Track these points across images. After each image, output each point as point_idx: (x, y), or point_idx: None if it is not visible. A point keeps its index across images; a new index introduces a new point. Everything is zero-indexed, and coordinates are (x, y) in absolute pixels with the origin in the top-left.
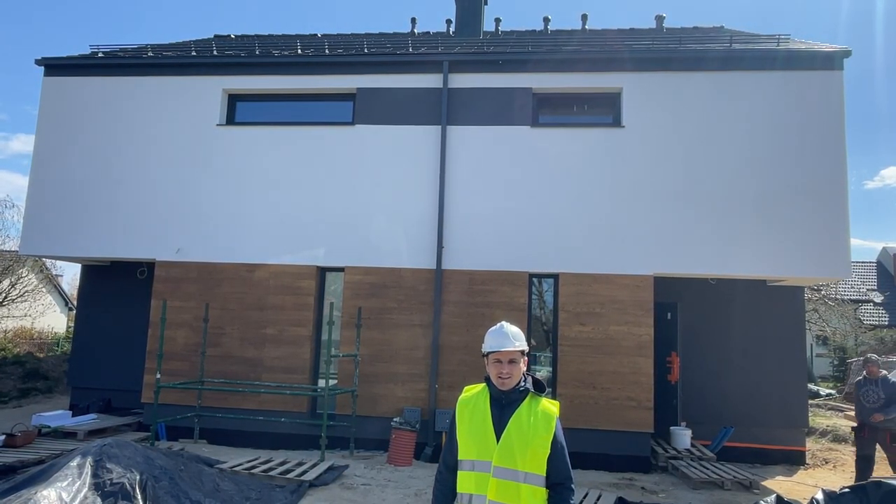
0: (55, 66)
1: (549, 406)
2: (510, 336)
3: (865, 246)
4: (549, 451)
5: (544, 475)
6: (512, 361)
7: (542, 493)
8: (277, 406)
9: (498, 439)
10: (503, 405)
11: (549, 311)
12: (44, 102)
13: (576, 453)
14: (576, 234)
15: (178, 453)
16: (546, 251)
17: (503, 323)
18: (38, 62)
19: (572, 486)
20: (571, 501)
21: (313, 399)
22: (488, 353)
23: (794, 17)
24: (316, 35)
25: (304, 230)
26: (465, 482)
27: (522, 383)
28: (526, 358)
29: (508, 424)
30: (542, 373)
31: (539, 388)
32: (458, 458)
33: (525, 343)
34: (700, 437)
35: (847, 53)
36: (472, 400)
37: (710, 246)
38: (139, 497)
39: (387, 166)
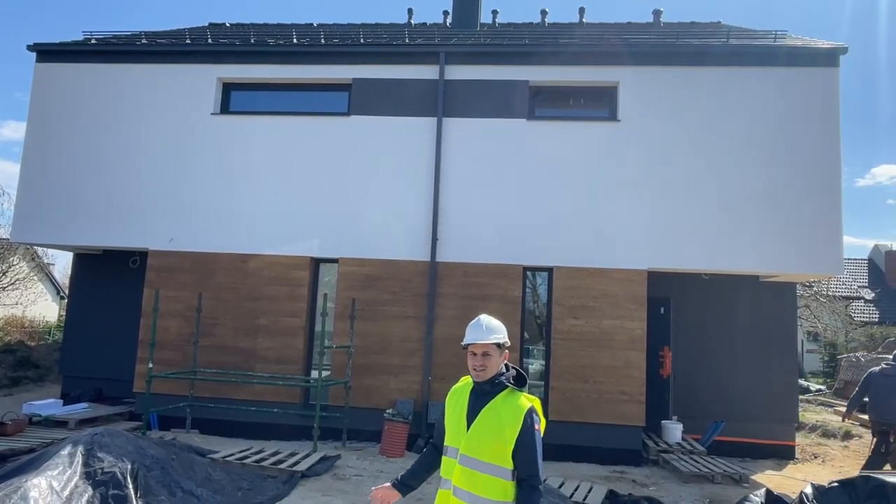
0: (47, 53)
1: (524, 401)
2: (484, 329)
3: (857, 243)
4: (513, 445)
5: (510, 468)
6: (486, 354)
7: (505, 485)
8: (270, 397)
9: (468, 429)
10: (479, 396)
11: (543, 305)
12: (35, 89)
13: (567, 446)
14: (570, 228)
15: (169, 443)
16: (541, 245)
17: (481, 316)
18: (30, 48)
19: (539, 485)
20: (536, 500)
21: (306, 390)
22: (465, 345)
23: (790, 15)
24: (312, 24)
25: (298, 221)
26: (442, 467)
27: (499, 376)
28: (506, 352)
29: (479, 415)
30: (535, 366)
31: (519, 382)
32: (444, 443)
33: (502, 336)
34: (691, 431)
35: (843, 50)
36: (460, 389)
37: (704, 241)
38: (130, 486)
39: (382, 158)
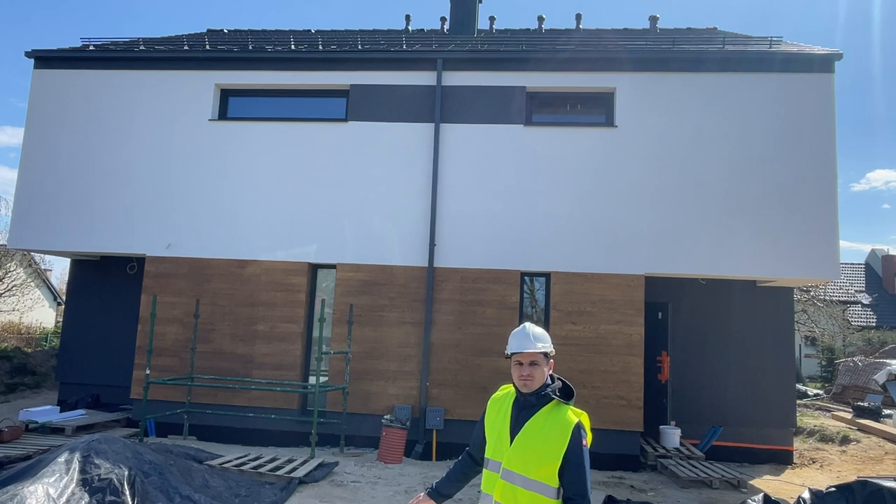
0: (46, 59)
1: (571, 416)
2: (531, 337)
3: (853, 248)
4: (560, 462)
5: (555, 486)
6: (533, 364)
7: (549, 503)
8: (268, 403)
9: (511, 442)
10: (522, 408)
11: (541, 310)
12: (34, 95)
13: None
14: (568, 233)
15: (167, 449)
16: (538, 250)
17: (526, 324)
18: (28, 54)
19: (586, 503)
20: None
21: (304, 396)
22: (510, 354)
23: (785, 21)
24: (309, 31)
25: (296, 226)
26: (483, 480)
27: (545, 388)
28: (552, 361)
29: (522, 429)
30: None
31: (566, 394)
32: (485, 455)
33: (549, 345)
34: (689, 436)
35: (839, 56)
36: (501, 399)
37: (701, 246)
38: (127, 493)
39: (380, 163)
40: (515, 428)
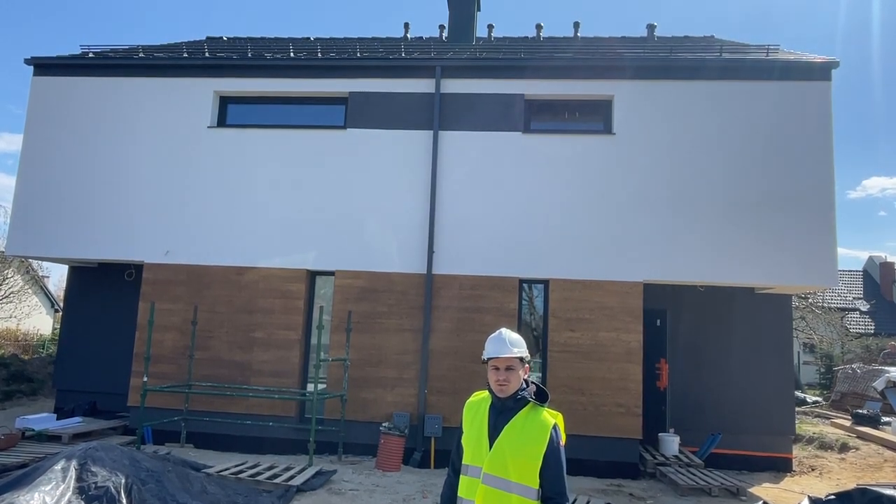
0: (45, 66)
1: (548, 417)
2: (507, 343)
3: (849, 255)
4: (540, 463)
5: (536, 488)
6: (509, 368)
7: None
8: (266, 410)
9: (491, 446)
10: (500, 412)
11: (540, 317)
12: (32, 102)
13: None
14: (566, 241)
15: (164, 457)
16: (537, 257)
17: (502, 329)
18: (27, 61)
19: (566, 502)
20: None
21: (302, 403)
22: (487, 359)
23: (781, 29)
24: (308, 38)
25: (294, 233)
26: (461, 486)
27: (521, 391)
28: (527, 366)
29: (502, 432)
30: (531, 378)
31: (541, 397)
32: (462, 462)
33: (525, 350)
34: (688, 443)
35: (835, 64)
36: (476, 405)
37: (699, 253)
38: (124, 500)
39: (378, 170)
40: (494, 432)
